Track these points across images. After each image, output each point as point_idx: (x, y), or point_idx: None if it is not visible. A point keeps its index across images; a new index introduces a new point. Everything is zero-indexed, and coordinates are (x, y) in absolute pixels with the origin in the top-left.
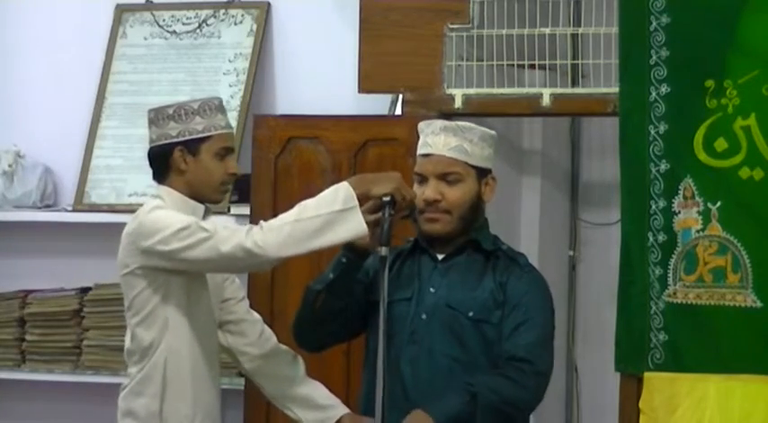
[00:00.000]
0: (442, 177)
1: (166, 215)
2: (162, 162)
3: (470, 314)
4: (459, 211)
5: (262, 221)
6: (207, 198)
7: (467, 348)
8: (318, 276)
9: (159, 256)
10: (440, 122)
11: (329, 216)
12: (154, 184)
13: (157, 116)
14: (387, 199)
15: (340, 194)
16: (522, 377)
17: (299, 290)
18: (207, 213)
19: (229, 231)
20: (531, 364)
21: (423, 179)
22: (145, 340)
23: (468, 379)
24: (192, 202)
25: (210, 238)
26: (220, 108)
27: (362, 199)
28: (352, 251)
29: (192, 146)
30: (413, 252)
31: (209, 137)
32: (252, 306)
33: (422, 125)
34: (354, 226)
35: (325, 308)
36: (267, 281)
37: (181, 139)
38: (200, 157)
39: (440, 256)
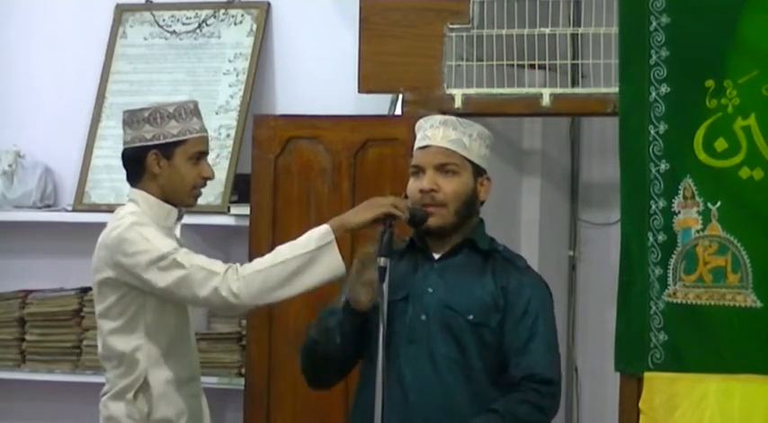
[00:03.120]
0: (440, 168)
1: (145, 237)
2: (136, 165)
3: (470, 317)
4: (455, 205)
5: (237, 265)
6: (180, 202)
7: (465, 350)
8: (317, 325)
9: (134, 277)
10: (440, 117)
11: (304, 257)
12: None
13: (132, 118)
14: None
15: (314, 234)
16: (542, 400)
17: None
18: (180, 216)
19: (205, 273)
20: (550, 384)
21: (419, 171)
22: (123, 348)
23: (493, 405)
24: (167, 205)
25: (187, 277)
26: (196, 111)
27: (343, 233)
28: (352, 314)
29: (167, 150)
30: (407, 252)
31: (183, 141)
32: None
33: (420, 121)
34: (331, 263)
35: (331, 356)
36: None
37: (155, 142)
38: (174, 161)
39: (436, 256)
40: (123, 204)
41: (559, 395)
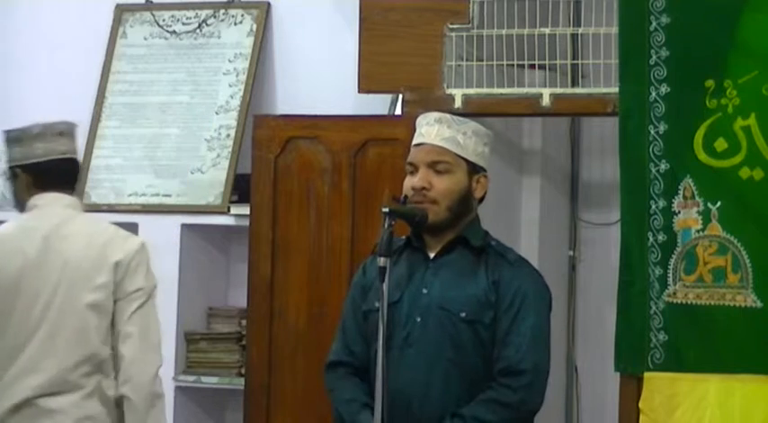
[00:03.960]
0: (432, 166)
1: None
2: (75, 175)
3: (463, 315)
4: (447, 202)
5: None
6: None
7: (461, 349)
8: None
9: (120, 290)
10: (435, 114)
11: None
12: (155, 183)
13: (70, 130)
14: (386, 210)
15: None
16: (512, 396)
17: (298, 290)
18: None
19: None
20: (519, 376)
21: (413, 168)
22: (102, 352)
23: (457, 410)
24: None
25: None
26: None
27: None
28: None
29: None
30: (404, 251)
31: None
32: (252, 306)
33: (419, 119)
34: None
35: None
36: (267, 281)
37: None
38: None
39: (431, 255)
40: (123, 204)
41: (537, 387)
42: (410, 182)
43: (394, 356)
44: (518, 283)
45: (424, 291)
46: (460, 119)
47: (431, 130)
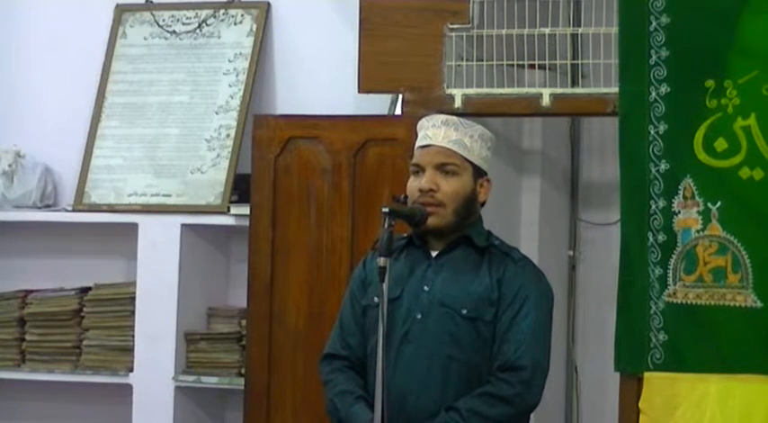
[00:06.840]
0: (440, 167)
1: None
2: None
3: (464, 312)
4: (454, 205)
5: None
6: None
7: (462, 347)
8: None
9: None
10: (442, 116)
11: None
12: (155, 183)
13: None
14: (386, 210)
15: None
16: (509, 389)
17: (298, 290)
18: None
19: None
20: (518, 371)
21: (419, 170)
22: None
23: (453, 403)
24: None
25: None
26: None
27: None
28: None
29: None
30: (405, 249)
31: None
32: (251, 306)
33: (422, 121)
34: None
35: None
36: (267, 281)
37: None
38: None
39: (433, 253)
40: (123, 204)
41: (535, 383)
42: (416, 183)
43: (392, 353)
44: (521, 281)
45: (426, 288)
46: (467, 121)
47: (438, 132)
